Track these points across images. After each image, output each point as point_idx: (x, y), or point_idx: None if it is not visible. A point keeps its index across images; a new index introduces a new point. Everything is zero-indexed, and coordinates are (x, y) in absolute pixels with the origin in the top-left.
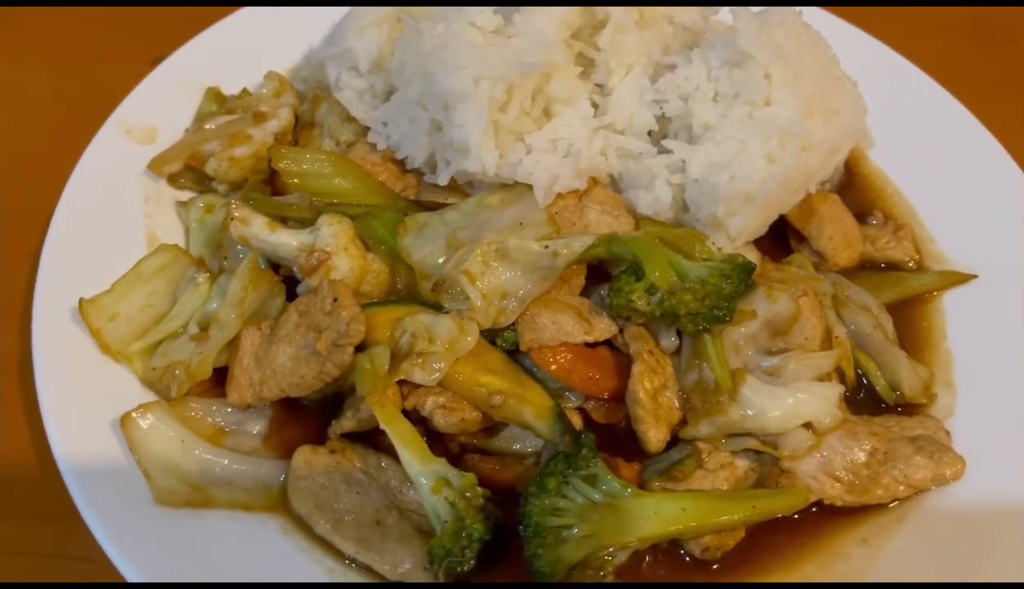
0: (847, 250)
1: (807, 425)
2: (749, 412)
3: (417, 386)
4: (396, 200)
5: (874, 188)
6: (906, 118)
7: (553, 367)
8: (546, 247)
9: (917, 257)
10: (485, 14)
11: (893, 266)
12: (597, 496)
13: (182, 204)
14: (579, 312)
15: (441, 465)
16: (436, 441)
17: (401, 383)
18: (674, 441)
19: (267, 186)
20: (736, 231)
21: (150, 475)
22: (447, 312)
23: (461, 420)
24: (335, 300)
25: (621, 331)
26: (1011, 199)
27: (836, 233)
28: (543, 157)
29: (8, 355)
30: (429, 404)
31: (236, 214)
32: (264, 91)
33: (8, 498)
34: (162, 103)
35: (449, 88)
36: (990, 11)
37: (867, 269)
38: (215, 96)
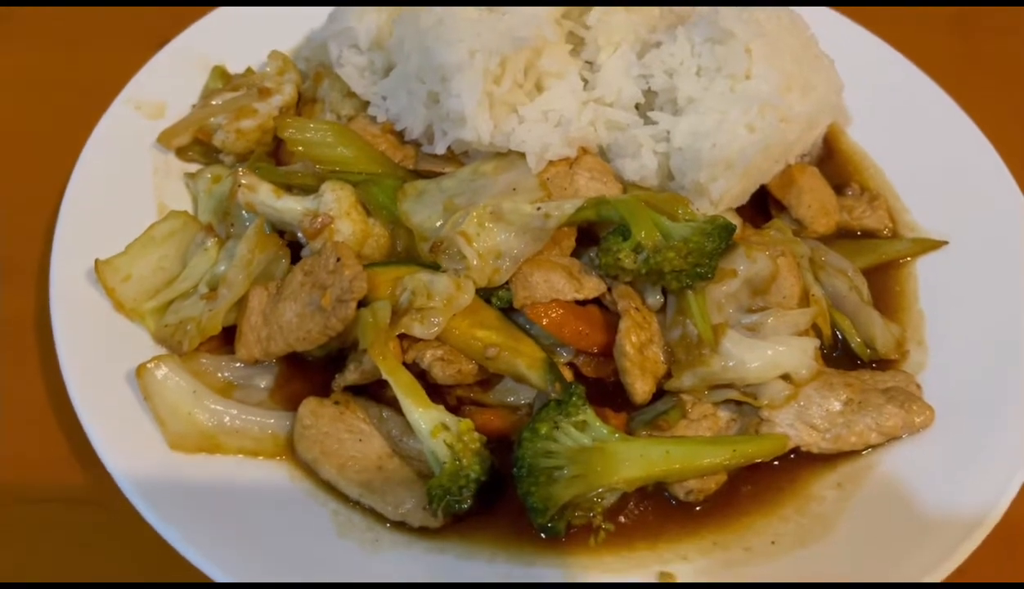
0: (824, 218)
1: (785, 377)
2: (730, 363)
3: (416, 341)
4: (395, 169)
5: (851, 162)
6: (883, 96)
7: (545, 322)
8: (538, 209)
9: (891, 225)
10: None
11: (868, 234)
12: (586, 440)
13: (190, 175)
14: (570, 271)
15: (439, 411)
16: (435, 394)
17: (401, 338)
18: (659, 394)
19: (272, 158)
20: (718, 195)
21: (164, 422)
22: (445, 271)
23: (458, 371)
24: (338, 260)
25: (609, 290)
26: (980, 171)
27: (814, 202)
28: (535, 126)
29: (26, 315)
30: (428, 357)
31: (244, 181)
32: (268, 69)
33: (23, 448)
34: (170, 81)
35: (445, 61)
36: (971, 8)
37: (844, 237)
38: (221, 74)
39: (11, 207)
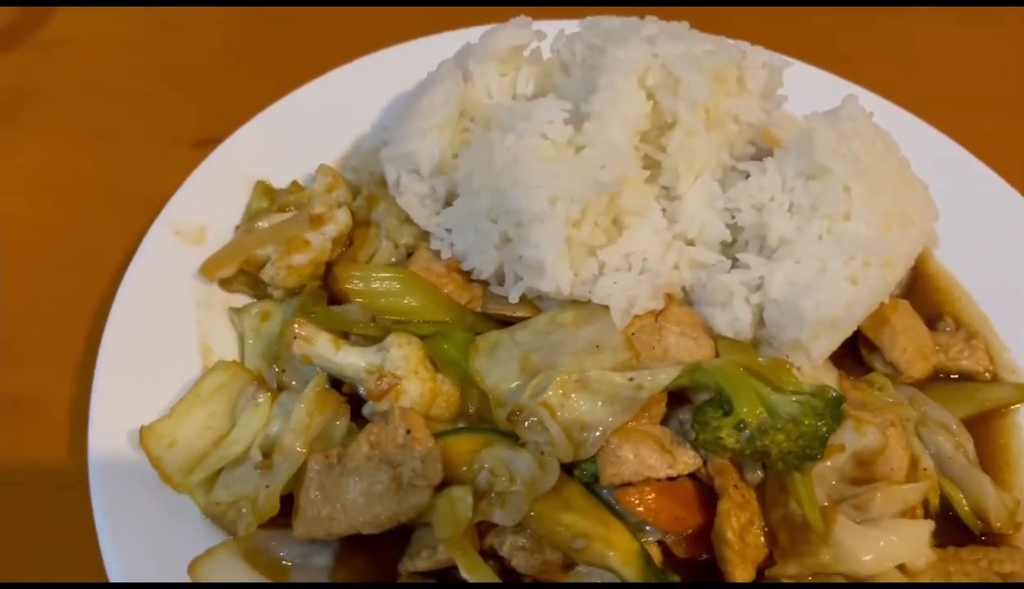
0: (921, 363)
1: (899, 566)
2: (840, 555)
3: (493, 523)
4: (464, 315)
5: (941, 290)
6: (970, 215)
7: (640, 509)
8: (630, 380)
9: (991, 368)
10: (556, 125)
11: (966, 376)
12: None
13: (235, 311)
14: (661, 444)
15: None
16: (509, 575)
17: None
18: (758, 573)
19: (324, 291)
20: (819, 354)
21: None
22: (523, 444)
23: (542, 562)
24: (408, 432)
25: (705, 463)
26: None
27: (910, 345)
28: (620, 278)
29: (55, 468)
30: (508, 545)
31: (301, 332)
32: (316, 186)
33: None
34: (210, 199)
35: (524, 207)
36: None
37: (939, 380)
38: (264, 191)
39: (33, 335)
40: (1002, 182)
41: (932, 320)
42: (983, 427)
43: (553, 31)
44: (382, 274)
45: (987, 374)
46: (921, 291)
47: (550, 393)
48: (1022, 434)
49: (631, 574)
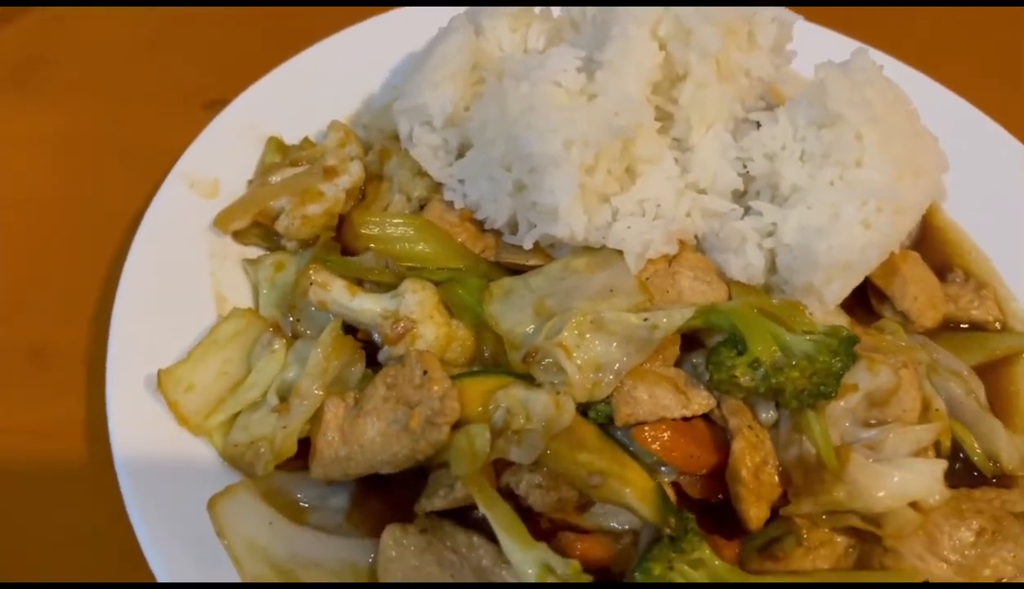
0: (932, 311)
1: (912, 504)
2: (855, 492)
3: (510, 463)
4: (477, 263)
5: (950, 242)
6: (976, 168)
7: (655, 446)
8: (645, 320)
9: (1001, 317)
10: (569, 73)
11: (976, 326)
12: (701, 578)
13: (249, 262)
14: (675, 385)
15: (543, 551)
16: (525, 516)
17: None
18: (772, 513)
19: (336, 242)
20: (832, 298)
21: (240, 560)
22: (539, 385)
23: (558, 500)
24: (425, 373)
25: (718, 404)
26: None
27: (920, 294)
28: (634, 222)
29: (73, 421)
30: (524, 483)
31: (317, 279)
32: (328, 142)
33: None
34: (223, 154)
35: (538, 152)
36: None
37: (949, 329)
38: (277, 146)
39: (50, 289)
40: (1009, 136)
41: (942, 271)
42: (993, 375)
43: None
44: (397, 220)
45: (997, 323)
46: (930, 243)
47: (565, 334)
48: None
49: (647, 511)
